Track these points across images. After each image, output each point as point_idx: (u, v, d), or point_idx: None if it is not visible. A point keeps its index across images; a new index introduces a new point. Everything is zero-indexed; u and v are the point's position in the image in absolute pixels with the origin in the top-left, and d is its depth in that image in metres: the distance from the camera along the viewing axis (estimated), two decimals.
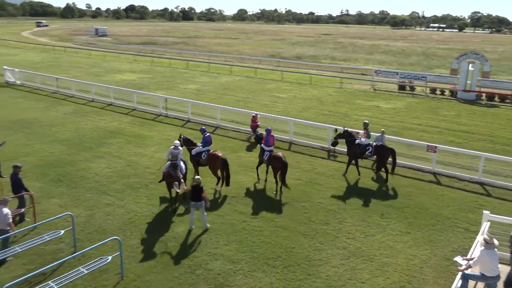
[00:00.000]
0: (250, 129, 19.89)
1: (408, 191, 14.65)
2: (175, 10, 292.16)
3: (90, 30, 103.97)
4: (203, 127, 15.18)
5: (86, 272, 8.83)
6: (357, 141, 15.58)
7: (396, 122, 24.14)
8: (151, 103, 25.76)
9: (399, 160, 17.00)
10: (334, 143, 18.11)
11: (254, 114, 20.09)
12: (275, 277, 9.69)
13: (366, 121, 16.50)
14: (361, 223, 12.27)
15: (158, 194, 13.77)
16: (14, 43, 70.30)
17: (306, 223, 12.15)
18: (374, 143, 15.55)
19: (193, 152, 14.38)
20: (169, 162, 12.68)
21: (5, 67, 34.29)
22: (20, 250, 9.49)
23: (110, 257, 9.19)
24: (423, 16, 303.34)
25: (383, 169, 15.58)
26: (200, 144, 14.54)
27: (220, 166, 13.84)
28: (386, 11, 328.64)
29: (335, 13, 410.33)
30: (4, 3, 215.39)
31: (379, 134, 16.42)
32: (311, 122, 20.90)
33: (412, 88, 35.27)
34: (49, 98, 28.19)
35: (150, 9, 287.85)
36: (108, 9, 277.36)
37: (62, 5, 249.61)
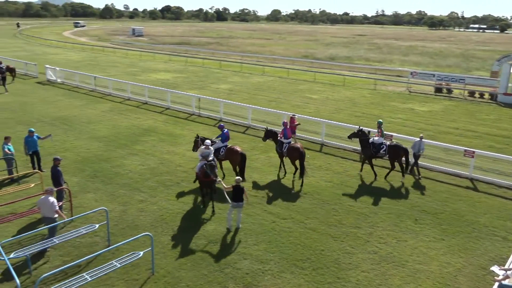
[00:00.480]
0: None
1: (443, 196, 14.22)
2: (210, 10, 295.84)
3: (127, 30, 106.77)
4: (222, 124, 15.66)
5: (119, 265, 9.08)
6: (370, 140, 15.51)
7: (432, 125, 23.49)
8: (184, 102, 26.16)
9: (434, 165, 16.65)
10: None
11: (292, 115, 19.62)
12: (304, 279, 9.64)
13: (380, 120, 16.38)
14: (393, 228, 12.02)
15: (190, 192, 13.97)
16: (56, 42, 73.08)
17: (336, 226, 12.03)
18: (388, 143, 15.47)
19: (213, 148, 14.63)
20: (203, 161, 12.71)
21: (47, 65, 35.72)
22: (57, 242, 9.87)
23: (142, 252, 9.41)
24: (463, 17, 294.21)
25: (417, 173, 15.26)
26: (217, 140, 14.91)
27: (239, 160, 14.15)
28: (424, 12, 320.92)
29: (370, 13, 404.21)
30: (47, 4, 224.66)
31: (417, 140, 15.96)
32: (343, 123, 20.63)
33: (449, 91, 34.23)
34: (88, 96, 29.14)
35: (185, 9, 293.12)
36: (145, 10, 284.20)
37: (101, 6, 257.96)
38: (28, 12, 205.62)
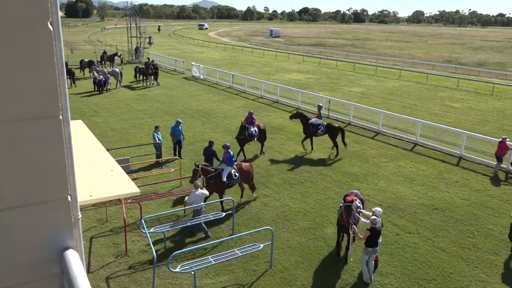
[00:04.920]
0: (495, 156, 16.25)
1: None
2: (347, 12, 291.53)
3: (265, 32, 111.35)
4: (227, 144, 13.22)
5: (240, 254, 9.58)
6: (310, 121, 17.66)
7: None
8: (313, 103, 26.25)
9: None
10: None
11: (501, 139, 16.17)
12: None
13: (320, 104, 19.03)
14: None
15: (312, 192, 14.03)
16: (202, 42, 79.85)
17: (470, 249, 10.87)
18: (325, 123, 17.77)
19: (224, 178, 12.29)
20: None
21: (193, 63, 39.30)
22: (189, 224, 10.83)
23: (262, 245, 9.78)
24: None
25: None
26: (221, 166, 12.73)
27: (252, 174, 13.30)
28: None
29: None
30: (198, 7, 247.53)
31: None
32: (489, 137, 18.44)
33: None
34: (225, 92, 31.23)
35: (323, 11, 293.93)
36: (283, 12, 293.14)
37: (244, 8, 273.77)
38: (181, 14, 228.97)
